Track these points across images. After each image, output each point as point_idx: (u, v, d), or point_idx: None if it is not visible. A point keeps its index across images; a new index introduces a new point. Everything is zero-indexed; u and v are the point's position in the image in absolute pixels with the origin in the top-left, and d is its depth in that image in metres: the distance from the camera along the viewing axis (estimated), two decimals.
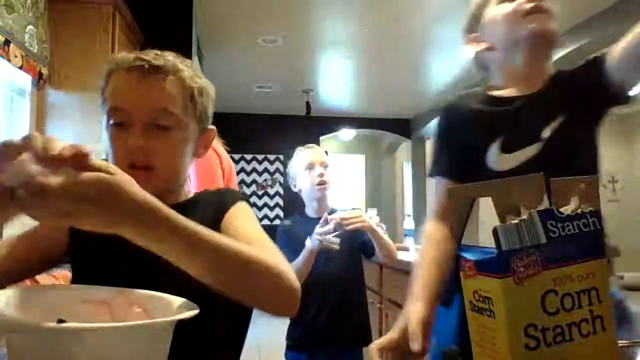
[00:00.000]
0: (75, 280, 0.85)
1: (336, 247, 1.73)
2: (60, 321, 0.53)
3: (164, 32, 3.07)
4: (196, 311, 0.57)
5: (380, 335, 2.73)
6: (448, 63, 4.99)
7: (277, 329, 1.97)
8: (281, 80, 5.64)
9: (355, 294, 1.97)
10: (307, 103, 5.94)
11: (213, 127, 0.91)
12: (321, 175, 1.95)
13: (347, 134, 7.83)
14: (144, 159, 0.79)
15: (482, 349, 0.56)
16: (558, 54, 4.31)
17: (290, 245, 1.82)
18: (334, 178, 2.05)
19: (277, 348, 2.03)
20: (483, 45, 1.10)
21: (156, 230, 0.56)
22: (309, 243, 1.75)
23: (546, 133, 0.99)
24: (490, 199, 0.56)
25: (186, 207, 0.76)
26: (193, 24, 3.47)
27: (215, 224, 0.79)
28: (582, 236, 0.54)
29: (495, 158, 0.98)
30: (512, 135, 1.00)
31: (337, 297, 1.86)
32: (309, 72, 5.47)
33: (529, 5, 1.01)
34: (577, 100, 1.00)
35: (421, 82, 5.85)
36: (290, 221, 2.05)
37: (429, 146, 8.72)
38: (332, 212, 1.95)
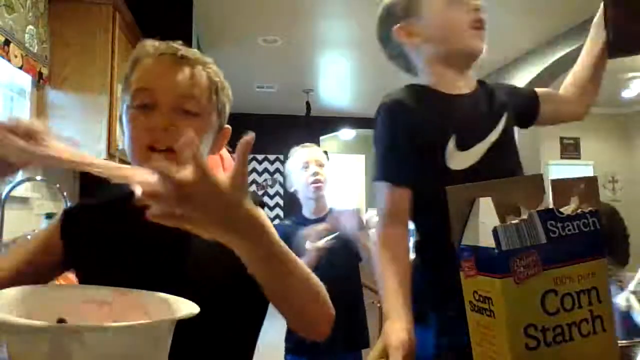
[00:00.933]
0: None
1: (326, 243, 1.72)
2: (61, 321, 0.53)
3: (164, 32, 3.06)
4: (196, 311, 0.57)
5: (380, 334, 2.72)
6: None
7: (277, 331, 1.97)
8: (281, 80, 5.64)
9: (353, 297, 1.95)
10: (307, 103, 5.94)
11: (229, 126, 0.91)
12: (315, 174, 1.92)
13: (347, 134, 7.82)
14: (166, 140, 0.77)
15: (482, 349, 0.56)
16: (558, 55, 4.32)
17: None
18: (331, 177, 2.03)
19: (278, 350, 2.03)
20: (417, 39, 1.07)
21: (262, 250, 0.60)
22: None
23: (495, 132, 1.02)
24: (490, 199, 0.56)
25: None
26: (193, 24, 3.47)
27: None
28: (582, 236, 0.54)
29: (452, 156, 0.95)
30: (464, 133, 0.99)
31: (335, 301, 1.83)
32: (309, 72, 5.46)
33: (478, 17, 1.03)
34: (513, 108, 1.08)
35: None
36: (289, 222, 2.03)
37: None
38: (330, 212, 1.95)
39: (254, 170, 7.23)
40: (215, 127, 0.86)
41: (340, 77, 5.70)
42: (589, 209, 0.55)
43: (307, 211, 1.99)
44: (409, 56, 1.13)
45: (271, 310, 0.78)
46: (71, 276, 0.88)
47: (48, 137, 0.61)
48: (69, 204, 2.25)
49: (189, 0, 3.41)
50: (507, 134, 1.04)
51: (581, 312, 0.53)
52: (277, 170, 7.23)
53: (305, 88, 5.92)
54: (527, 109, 1.14)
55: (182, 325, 0.56)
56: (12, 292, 0.59)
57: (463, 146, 0.98)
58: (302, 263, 0.68)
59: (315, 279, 0.70)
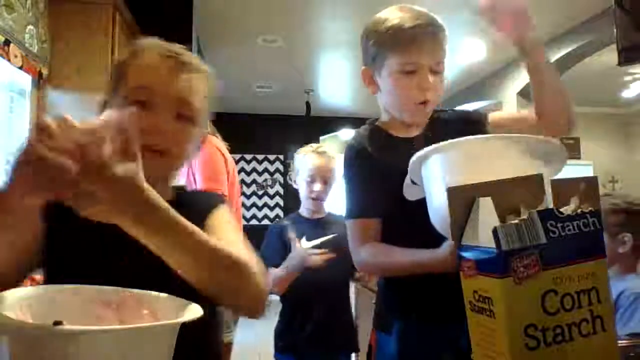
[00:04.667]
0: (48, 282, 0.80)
1: (321, 260, 1.70)
2: (57, 323, 0.53)
3: (164, 32, 3.06)
4: (200, 313, 0.57)
5: None
6: (447, 63, 4.99)
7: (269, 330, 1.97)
8: (281, 80, 5.64)
9: (343, 301, 1.94)
10: (307, 103, 5.94)
11: (207, 129, 0.93)
12: (320, 192, 1.91)
13: (347, 134, 7.82)
14: (161, 142, 0.79)
15: (482, 349, 0.56)
16: (558, 54, 4.32)
17: (276, 245, 1.81)
18: (335, 186, 1.98)
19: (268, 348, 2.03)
20: (373, 88, 1.15)
21: (152, 222, 0.59)
22: (289, 265, 1.71)
23: None
24: (490, 199, 0.56)
25: (178, 203, 0.75)
26: (193, 24, 3.47)
27: (200, 219, 0.81)
28: (582, 236, 0.54)
29: (408, 190, 0.99)
30: None
31: (324, 305, 1.83)
32: (309, 72, 5.47)
33: (425, 99, 1.07)
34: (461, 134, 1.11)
35: None
36: (287, 221, 1.99)
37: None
38: (328, 215, 1.96)
39: (254, 170, 7.22)
40: (201, 133, 0.89)
41: (340, 77, 5.70)
42: (589, 209, 0.55)
43: (305, 211, 1.99)
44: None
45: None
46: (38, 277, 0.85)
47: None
48: None
49: (189, 0, 3.41)
50: None
51: (581, 312, 0.53)
52: (277, 170, 7.23)
53: (305, 88, 5.92)
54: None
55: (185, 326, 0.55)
56: (17, 292, 0.59)
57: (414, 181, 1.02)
58: (214, 241, 0.67)
59: (233, 255, 0.69)
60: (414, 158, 0.91)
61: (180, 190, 0.94)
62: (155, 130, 0.78)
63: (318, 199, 1.92)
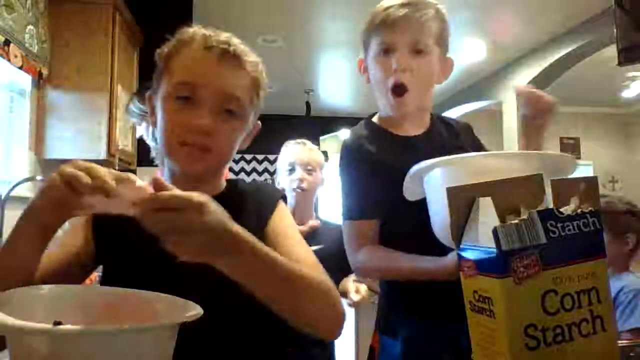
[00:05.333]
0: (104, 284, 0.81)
1: None
2: (57, 323, 0.53)
3: (164, 32, 3.06)
4: (200, 313, 0.57)
5: None
6: None
7: None
8: (281, 80, 5.64)
9: None
10: (307, 103, 5.94)
11: (259, 122, 0.90)
12: (300, 180, 1.69)
13: (347, 134, 7.81)
14: (204, 139, 0.76)
15: (482, 349, 0.56)
16: (558, 54, 4.32)
17: None
18: (324, 182, 1.78)
19: None
20: (367, 78, 1.13)
21: (240, 258, 0.61)
22: None
23: None
24: (490, 199, 0.56)
25: (228, 198, 0.73)
26: (193, 24, 3.47)
27: (260, 221, 0.82)
28: (582, 236, 0.54)
29: (409, 191, 0.97)
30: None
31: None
32: (309, 72, 5.47)
33: (397, 82, 1.04)
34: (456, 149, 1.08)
35: None
36: None
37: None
38: (323, 224, 1.73)
39: (254, 170, 7.23)
40: (251, 127, 0.86)
41: (340, 77, 5.70)
42: (589, 209, 0.55)
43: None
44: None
45: None
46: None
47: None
48: None
49: (189, 0, 3.41)
50: None
51: (581, 312, 0.53)
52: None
53: (305, 88, 5.92)
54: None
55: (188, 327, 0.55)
56: (17, 293, 0.59)
57: None
58: (292, 266, 0.68)
59: (312, 277, 0.70)
60: (417, 167, 0.89)
61: (233, 182, 0.91)
62: (200, 128, 0.76)
63: (301, 189, 1.69)
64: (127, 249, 0.78)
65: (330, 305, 0.72)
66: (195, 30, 0.82)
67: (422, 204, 0.92)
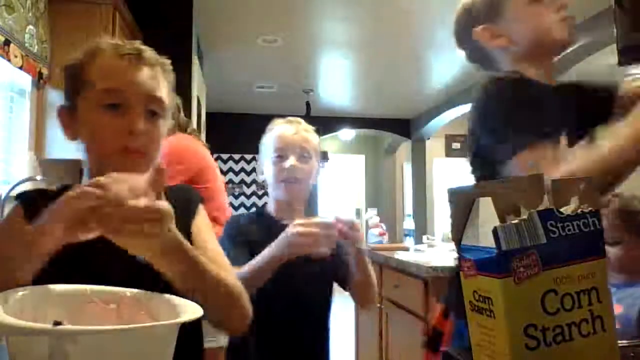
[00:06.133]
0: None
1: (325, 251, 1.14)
2: (57, 323, 0.53)
3: (164, 32, 3.07)
4: (200, 313, 0.57)
5: (381, 336, 2.72)
6: (448, 63, 4.99)
7: None
8: (281, 80, 5.64)
9: (320, 319, 1.34)
10: (307, 103, 5.94)
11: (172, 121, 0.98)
12: (292, 169, 1.30)
13: (347, 134, 7.82)
14: (142, 143, 0.80)
15: (482, 349, 0.56)
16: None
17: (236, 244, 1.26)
18: (320, 171, 1.41)
19: None
20: (502, 41, 1.07)
21: (176, 258, 0.69)
22: (275, 248, 1.14)
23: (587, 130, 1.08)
24: (490, 199, 0.56)
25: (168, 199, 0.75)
26: (193, 24, 3.47)
27: (185, 220, 0.86)
28: (582, 236, 0.54)
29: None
30: (570, 127, 0.99)
31: (296, 319, 1.28)
32: (309, 72, 5.47)
33: (564, 15, 1.04)
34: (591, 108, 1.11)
35: (421, 82, 5.85)
36: (243, 220, 1.37)
37: (437, 141, 8.51)
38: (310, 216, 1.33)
39: (254, 170, 7.23)
40: (168, 125, 0.90)
41: (340, 77, 5.70)
42: (589, 209, 0.55)
43: (272, 208, 1.37)
44: (491, 56, 1.12)
45: None
46: None
47: None
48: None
49: (189, 0, 3.41)
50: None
51: (581, 312, 0.53)
52: None
53: (305, 88, 5.93)
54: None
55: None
56: (17, 293, 0.59)
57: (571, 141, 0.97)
58: (214, 269, 0.75)
59: (227, 281, 0.77)
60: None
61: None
62: (134, 131, 0.79)
63: (291, 181, 1.31)
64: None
65: (239, 307, 0.80)
66: (101, 41, 0.86)
67: None
